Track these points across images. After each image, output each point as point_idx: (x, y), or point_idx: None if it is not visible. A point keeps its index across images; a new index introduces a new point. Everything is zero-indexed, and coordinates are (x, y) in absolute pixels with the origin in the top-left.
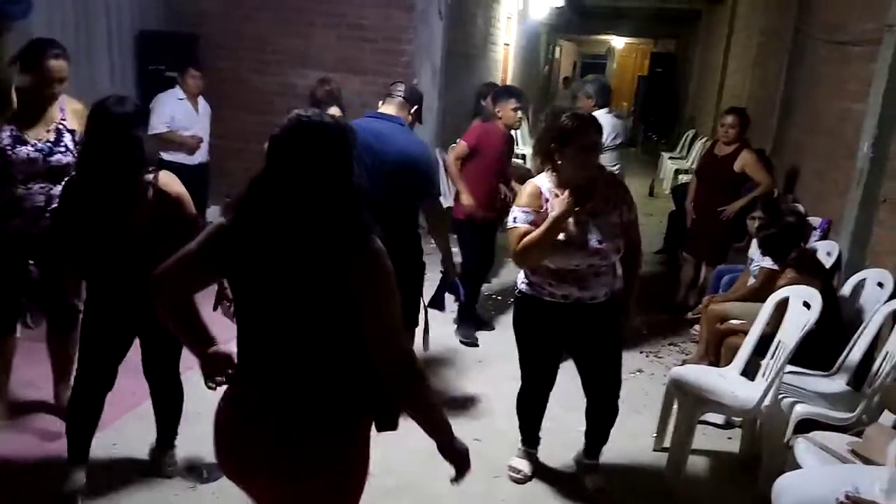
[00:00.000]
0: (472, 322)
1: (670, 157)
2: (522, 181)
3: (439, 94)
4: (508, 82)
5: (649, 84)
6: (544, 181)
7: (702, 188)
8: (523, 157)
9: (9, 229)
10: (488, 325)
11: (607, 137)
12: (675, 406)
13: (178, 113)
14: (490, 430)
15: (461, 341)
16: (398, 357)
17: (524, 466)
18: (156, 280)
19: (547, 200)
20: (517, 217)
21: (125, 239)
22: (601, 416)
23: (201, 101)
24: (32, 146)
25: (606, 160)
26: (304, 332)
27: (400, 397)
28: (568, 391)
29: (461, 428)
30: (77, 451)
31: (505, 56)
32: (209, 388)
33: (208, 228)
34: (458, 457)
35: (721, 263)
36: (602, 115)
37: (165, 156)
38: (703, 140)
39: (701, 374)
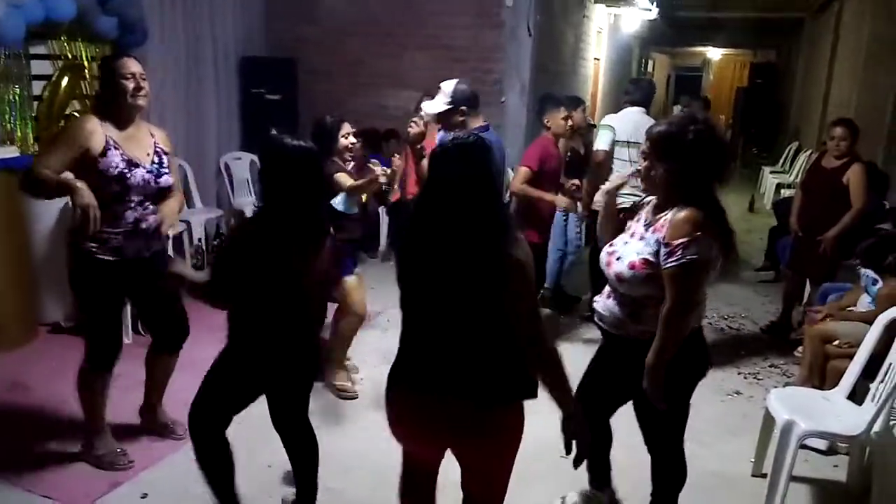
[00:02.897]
0: None
1: (772, 171)
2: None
3: (527, 110)
4: (598, 96)
5: (749, 95)
6: None
7: (808, 202)
8: None
9: (125, 257)
10: None
11: (629, 135)
12: (776, 430)
13: None
14: None
15: None
16: (541, 337)
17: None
18: None
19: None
20: None
21: (302, 286)
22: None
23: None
24: (145, 168)
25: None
26: (466, 327)
27: (539, 370)
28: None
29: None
30: (225, 501)
31: (595, 71)
32: None
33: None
34: (580, 428)
35: (828, 281)
36: (633, 112)
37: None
38: (808, 152)
39: (803, 397)
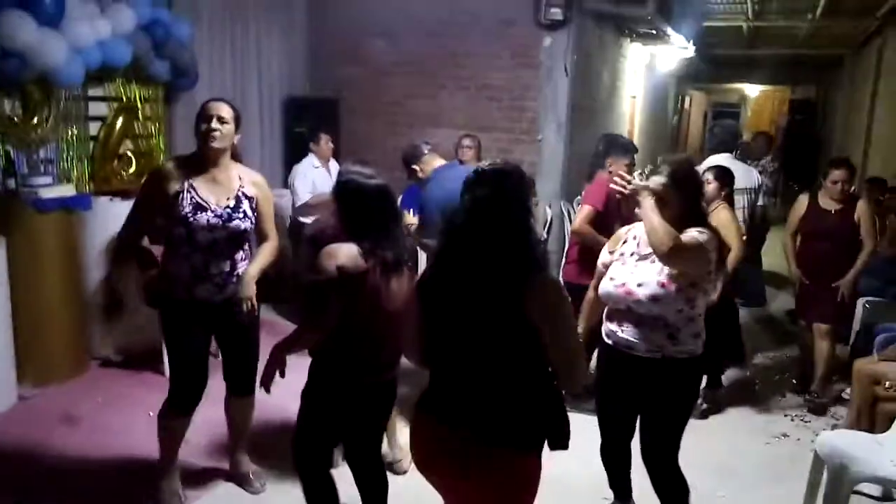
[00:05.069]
0: None
1: None
2: None
3: (564, 147)
4: (635, 134)
5: (788, 132)
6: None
7: (813, 246)
8: None
9: (195, 298)
10: None
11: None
12: (825, 475)
13: (318, 179)
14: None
15: None
16: (578, 378)
17: None
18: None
19: (625, 242)
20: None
21: (380, 316)
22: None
23: (332, 164)
24: (213, 212)
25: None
26: (488, 363)
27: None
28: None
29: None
30: None
31: (632, 108)
32: None
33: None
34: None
35: (844, 323)
36: (721, 159)
37: (307, 220)
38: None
39: (854, 441)
